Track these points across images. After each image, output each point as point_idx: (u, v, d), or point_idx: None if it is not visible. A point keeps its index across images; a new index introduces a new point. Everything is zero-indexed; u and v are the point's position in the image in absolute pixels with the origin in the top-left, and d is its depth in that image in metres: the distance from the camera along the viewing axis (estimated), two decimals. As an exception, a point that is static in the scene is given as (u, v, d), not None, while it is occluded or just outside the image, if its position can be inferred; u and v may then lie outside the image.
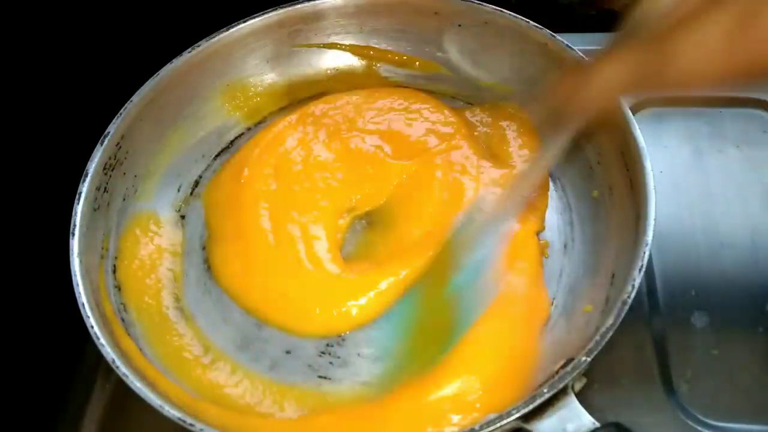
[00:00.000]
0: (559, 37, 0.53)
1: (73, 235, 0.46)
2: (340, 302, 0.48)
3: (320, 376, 0.47)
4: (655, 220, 0.43)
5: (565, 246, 0.51)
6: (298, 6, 0.58)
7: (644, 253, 0.42)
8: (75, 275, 0.45)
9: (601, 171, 0.51)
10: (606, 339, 0.40)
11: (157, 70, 0.55)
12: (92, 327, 0.43)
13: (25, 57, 0.55)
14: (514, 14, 0.55)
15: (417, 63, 0.61)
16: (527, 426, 0.39)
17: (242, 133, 0.60)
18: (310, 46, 0.61)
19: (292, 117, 0.58)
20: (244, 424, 0.44)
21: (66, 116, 0.57)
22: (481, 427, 0.38)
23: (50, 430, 0.50)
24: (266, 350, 0.48)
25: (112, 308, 0.48)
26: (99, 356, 0.42)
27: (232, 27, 0.57)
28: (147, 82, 0.54)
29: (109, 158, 0.51)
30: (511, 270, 0.48)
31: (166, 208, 0.55)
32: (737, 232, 0.54)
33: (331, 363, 0.47)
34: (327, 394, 0.46)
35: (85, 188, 0.49)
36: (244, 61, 0.60)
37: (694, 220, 0.55)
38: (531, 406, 0.38)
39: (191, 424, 0.39)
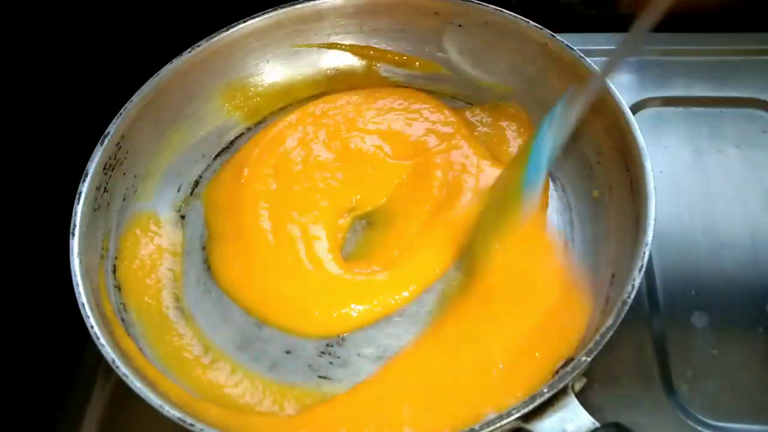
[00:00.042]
0: (559, 37, 0.53)
1: (73, 235, 0.46)
2: (341, 303, 0.48)
3: (320, 376, 0.47)
4: (655, 220, 0.43)
5: (565, 246, 0.51)
6: (298, 6, 0.58)
7: (644, 253, 0.42)
8: (75, 275, 0.45)
9: (601, 171, 0.51)
10: (606, 339, 0.40)
11: (157, 70, 0.55)
12: (92, 327, 0.43)
13: (25, 57, 0.55)
14: (514, 14, 0.55)
15: (417, 63, 0.61)
16: (527, 426, 0.39)
17: (242, 133, 0.60)
18: (310, 46, 0.61)
19: (292, 117, 0.58)
20: (244, 424, 0.44)
21: (66, 116, 0.57)
22: (481, 427, 0.38)
23: (50, 430, 0.50)
24: (266, 350, 0.48)
25: (112, 308, 0.48)
26: (99, 356, 0.42)
27: (232, 27, 0.57)
28: (147, 82, 0.54)
29: (109, 158, 0.51)
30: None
31: (166, 208, 0.55)
32: (737, 232, 0.54)
33: (331, 363, 0.47)
34: (327, 394, 0.46)
35: (85, 188, 0.49)
36: (244, 61, 0.60)
37: (694, 220, 0.55)
38: (531, 406, 0.38)
39: (191, 424, 0.39)
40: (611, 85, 0.49)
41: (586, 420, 0.38)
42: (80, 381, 0.51)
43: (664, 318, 0.50)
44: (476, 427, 0.38)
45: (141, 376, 0.42)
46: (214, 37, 0.57)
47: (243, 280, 0.50)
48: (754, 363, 0.48)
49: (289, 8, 0.58)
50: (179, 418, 0.39)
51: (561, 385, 0.38)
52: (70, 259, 0.45)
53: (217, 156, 0.59)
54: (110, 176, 0.51)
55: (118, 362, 0.41)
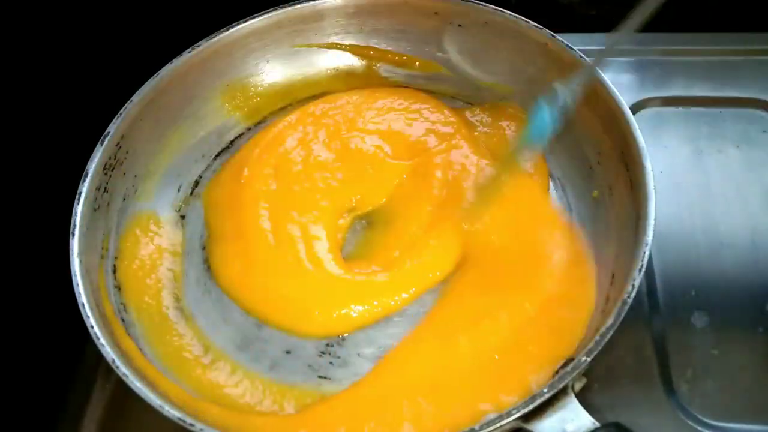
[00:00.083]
0: (559, 37, 0.53)
1: (73, 235, 0.46)
2: (341, 304, 0.48)
3: (320, 376, 0.47)
4: (655, 220, 0.43)
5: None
6: (298, 6, 0.58)
7: (644, 253, 0.42)
8: (75, 275, 0.45)
9: (601, 171, 0.51)
10: (606, 339, 0.40)
11: (157, 70, 0.55)
12: (92, 327, 0.43)
13: (25, 57, 0.55)
14: (514, 14, 0.55)
15: (417, 63, 0.61)
16: (527, 426, 0.39)
17: (242, 133, 0.60)
18: (310, 46, 0.61)
19: (292, 117, 0.58)
20: (244, 424, 0.44)
21: (66, 116, 0.57)
22: (481, 427, 0.38)
23: (50, 430, 0.50)
24: (266, 350, 0.48)
25: (112, 308, 0.48)
26: (99, 356, 0.42)
27: (232, 27, 0.57)
28: (147, 82, 0.54)
29: (109, 158, 0.51)
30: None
31: (166, 208, 0.55)
32: (737, 232, 0.54)
33: (331, 363, 0.47)
34: (327, 395, 0.46)
35: (85, 188, 0.49)
36: (244, 61, 0.60)
37: (694, 220, 0.55)
38: (531, 406, 0.38)
39: (191, 424, 0.39)
40: (611, 85, 0.49)
41: (586, 420, 0.38)
42: (80, 381, 0.51)
43: (664, 318, 0.50)
44: (476, 427, 0.38)
45: (141, 376, 0.42)
46: (214, 37, 0.57)
47: (243, 280, 0.50)
48: (754, 363, 0.48)
49: (289, 8, 0.58)
50: (179, 418, 0.39)
51: (561, 385, 0.38)
52: (70, 259, 0.45)
53: (217, 156, 0.59)
54: (110, 176, 0.51)
55: (118, 362, 0.41)
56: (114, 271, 0.50)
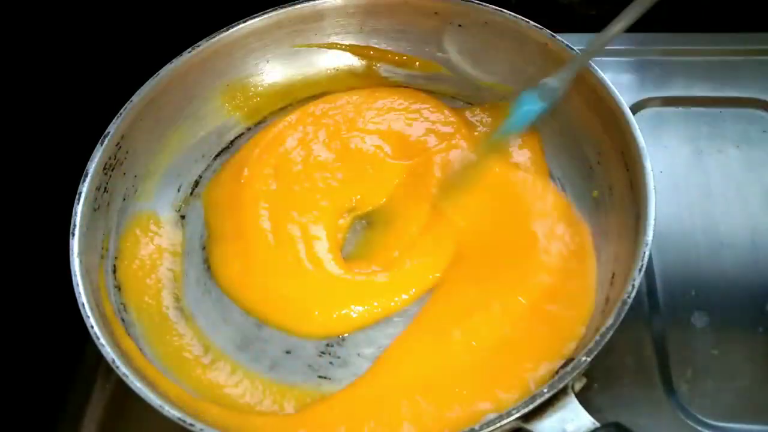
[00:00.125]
0: (559, 37, 0.53)
1: (73, 235, 0.46)
2: (341, 304, 0.48)
3: (320, 376, 0.47)
4: (655, 220, 0.43)
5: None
6: (298, 6, 0.58)
7: (644, 253, 0.42)
8: (75, 275, 0.45)
9: (601, 171, 0.51)
10: (606, 339, 0.40)
11: (157, 70, 0.55)
12: (92, 327, 0.43)
13: (26, 57, 0.55)
14: (514, 14, 0.55)
15: (417, 63, 0.61)
16: (527, 426, 0.39)
17: (242, 133, 0.60)
18: (310, 46, 0.61)
19: (292, 117, 0.58)
20: (244, 424, 0.44)
21: (66, 116, 0.57)
22: (481, 427, 0.38)
23: (50, 430, 0.50)
24: (266, 350, 0.48)
25: (112, 308, 0.48)
26: (99, 356, 0.42)
27: (232, 27, 0.57)
28: (147, 82, 0.54)
29: (109, 158, 0.51)
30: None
31: (166, 208, 0.55)
32: (737, 232, 0.54)
33: (331, 363, 0.47)
34: (327, 395, 0.46)
35: (85, 188, 0.49)
36: (244, 61, 0.60)
37: (694, 220, 0.55)
38: (531, 406, 0.38)
39: (191, 424, 0.39)
40: (611, 85, 0.49)
41: (586, 420, 0.38)
42: (80, 381, 0.51)
43: (664, 318, 0.50)
44: (476, 427, 0.38)
45: (141, 376, 0.42)
46: (214, 37, 0.57)
47: (243, 280, 0.50)
48: (754, 363, 0.48)
49: (289, 8, 0.58)
50: (179, 418, 0.39)
51: (561, 385, 0.38)
52: (70, 259, 0.45)
53: (217, 156, 0.59)
54: (110, 176, 0.51)
55: (118, 362, 0.41)
56: (114, 271, 0.50)
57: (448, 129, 0.56)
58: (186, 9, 0.64)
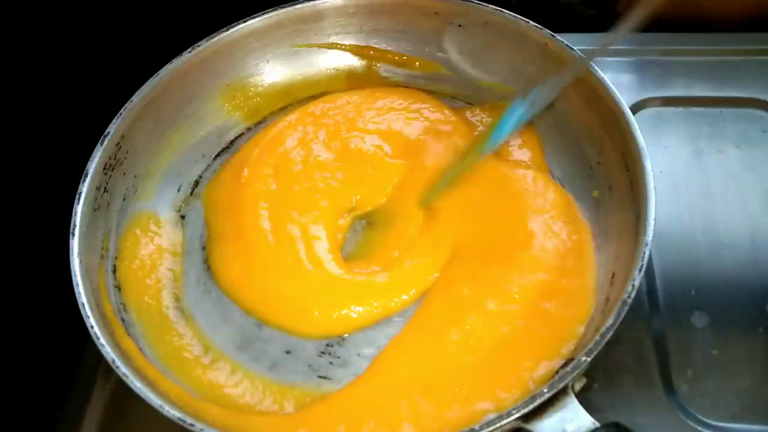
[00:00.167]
0: (559, 37, 0.53)
1: (73, 235, 0.46)
2: (341, 304, 0.48)
3: (320, 376, 0.47)
4: (655, 220, 0.43)
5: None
6: (298, 6, 0.58)
7: (644, 253, 0.42)
8: (75, 275, 0.45)
9: (601, 171, 0.51)
10: (606, 339, 0.40)
11: (157, 70, 0.55)
12: (92, 327, 0.43)
13: (26, 57, 0.55)
14: (514, 14, 0.55)
15: (417, 63, 0.61)
16: (527, 426, 0.39)
17: (242, 133, 0.60)
18: (310, 46, 0.61)
19: (292, 117, 0.58)
20: (244, 424, 0.44)
21: (66, 116, 0.57)
22: (481, 427, 0.38)
23: (50, 430, 0.50)
24: (266, 350, 0.48)
25: (112, 308, 0.48)
26: (99, 356, 0.42)
27: (232, 27, 0.57)
28: (147, 82, 0.54)
29: (109, 158, 0.51)
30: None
31: (166, 208, 0.55)
32: (737, 232, 0.54)
33: (331, 363, 0.47)
34: (327, 395, 0.45)
35: (85, 188, 0.49)
36: (244, 61, 0.60)
37: (694, 220, 0.55)
38: (531, 406, 0.38)
39: (191, 424, 0.39)
40: (611, 85, 0.49)
41: (586, 420, 0.38)
42: (80, 381, 0.51)
43: (664, 318, 0.50)
44: (476, 427, 0.38)
45: (141, 376, 0.42)
46: (214, 37, 0.57)
47: (243, 280, 0.50)
48: (754, 363, 0.48)
49: (289, 8, 0.58)
50: (179, 418, 0.39)
51: (561, 385, 0.38)
52: (70, 259, 0.45)
53: (217, 156, 0.59)
54: (110, 176, 0.51)
55: (118, 362, 0.41)
56: (114, 271, 0.50)
57: (448, 129, 0.56)
58: (186, 9, 0.64)
